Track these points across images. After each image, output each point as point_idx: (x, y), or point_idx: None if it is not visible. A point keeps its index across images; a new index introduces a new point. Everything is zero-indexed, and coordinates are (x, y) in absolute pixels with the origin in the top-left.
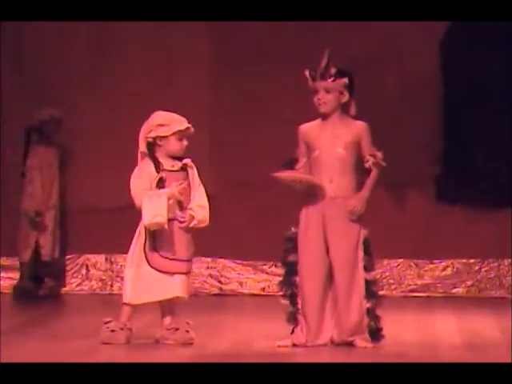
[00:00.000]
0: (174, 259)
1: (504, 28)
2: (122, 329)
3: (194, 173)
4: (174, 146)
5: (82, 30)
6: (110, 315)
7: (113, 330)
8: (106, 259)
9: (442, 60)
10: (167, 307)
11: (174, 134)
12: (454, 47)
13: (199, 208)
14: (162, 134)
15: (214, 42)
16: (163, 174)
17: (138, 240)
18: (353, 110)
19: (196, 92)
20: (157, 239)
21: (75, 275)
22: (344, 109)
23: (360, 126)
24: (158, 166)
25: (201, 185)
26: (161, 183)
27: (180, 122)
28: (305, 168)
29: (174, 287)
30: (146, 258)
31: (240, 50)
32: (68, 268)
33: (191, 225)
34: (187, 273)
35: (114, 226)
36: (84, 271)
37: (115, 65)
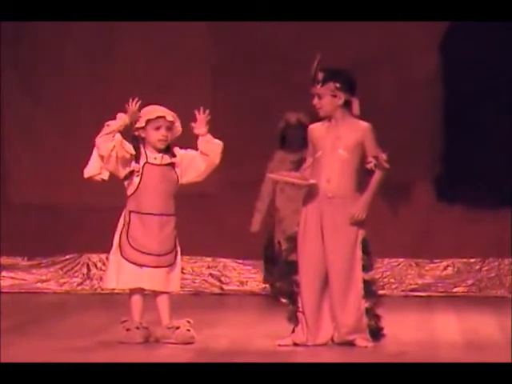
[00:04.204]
0: (143, 252)
1: (504, 27)
2: (137, 328)
3: (186, 152)
4: (151, 135)
5: (82, 30)
6: (111, 315)
7: (128, 329)
8: (107, 258)
9: (442, 60)
10: (159, 305)
11: (147, 123)
12: (455, 47)
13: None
14: (139, 125)
15: (215, 42)
16: (136, 168)
17: (119, 227)
18: (355, 110)
19: (196, 91)
20: (130, 230)
21: (76, 274)
22: (347, 109)
23: (363, 127)
24: (138, 157)
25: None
26: (128, 175)
27: (152, 112)
28: (311, 168)
29: (141, 279)
30: (120, 246)
31: (240, 50)
32: (69, 267)
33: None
34: (157, 267)
35: (116, 224)
36: (85, 270)
37: (115, 65)
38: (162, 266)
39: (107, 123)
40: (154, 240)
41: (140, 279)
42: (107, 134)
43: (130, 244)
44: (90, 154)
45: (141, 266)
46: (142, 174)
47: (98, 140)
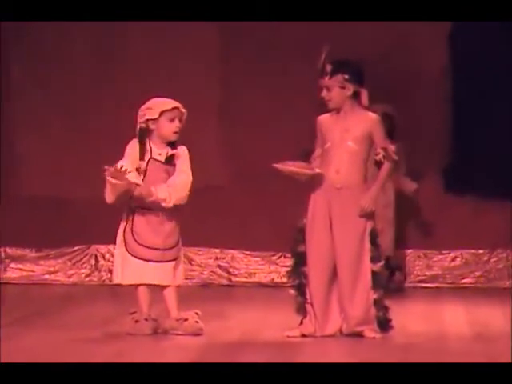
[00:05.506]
0: (148, 247)
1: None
2: (146, 319)
3: (181, 161)
4: (165, 127)
5: (89, 29)
6: (120, 306)
7: (137, 321)
8: None
9: (452, 53)
10: (167, 297)
11: (161, 114)
12: (463, 41)
13: (165, 186)
14: (151, 117)
15: (217, 42)
16: (141, 165)
17: (122, 222)
18: (364, 100)
19: (206, 84)
20: (134, 226)
21: (84, 266)
22: (356, 100)
23: (372, 119)
24: (143, 153)
25: (185, 171)
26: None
27: (166, 103)
28: (320, 158)
29: (146, 274)
30: (124, 241)
31: (250, 46)
32: (77, 259)
33: (150, 199)
34: (163, 261)
35: None
36: (93, 262)
37: (122, 64)
38: (167, 261)
39: (121, 165)
40: (159, 235)
41: (145, 274)
42: (119, 188)
43: (134, 239)
44: (98, 146)
45: (147, 260)
46: (146, 170)
47: (109, 180)
